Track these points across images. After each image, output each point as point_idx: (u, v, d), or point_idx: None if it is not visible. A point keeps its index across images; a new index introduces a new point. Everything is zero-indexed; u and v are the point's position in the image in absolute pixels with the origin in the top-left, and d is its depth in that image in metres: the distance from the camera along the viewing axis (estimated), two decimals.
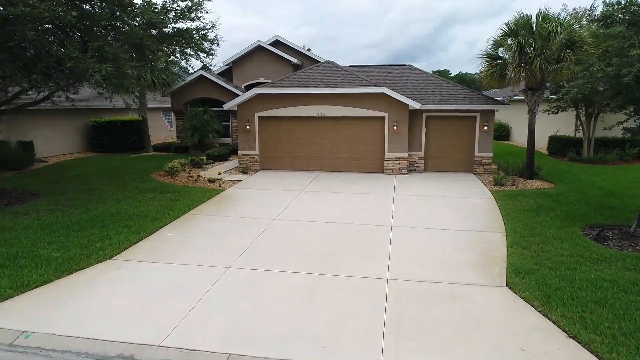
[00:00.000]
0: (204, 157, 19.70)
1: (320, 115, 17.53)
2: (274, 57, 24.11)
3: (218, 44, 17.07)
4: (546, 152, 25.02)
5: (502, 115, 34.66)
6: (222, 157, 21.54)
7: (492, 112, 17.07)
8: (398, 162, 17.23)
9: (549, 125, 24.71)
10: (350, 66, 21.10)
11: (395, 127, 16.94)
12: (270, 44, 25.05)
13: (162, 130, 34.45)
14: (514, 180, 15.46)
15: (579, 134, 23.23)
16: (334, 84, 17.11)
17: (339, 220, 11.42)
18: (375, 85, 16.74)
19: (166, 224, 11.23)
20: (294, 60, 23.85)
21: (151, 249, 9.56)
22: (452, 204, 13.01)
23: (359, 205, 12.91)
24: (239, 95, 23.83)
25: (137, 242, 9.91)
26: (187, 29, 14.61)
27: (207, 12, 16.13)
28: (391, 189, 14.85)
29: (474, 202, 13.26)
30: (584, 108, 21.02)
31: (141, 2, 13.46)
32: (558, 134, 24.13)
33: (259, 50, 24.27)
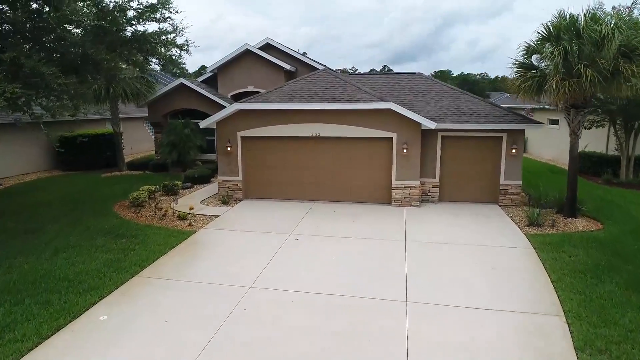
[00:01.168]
0: (179, 183, 16.81)
1: (314, 135, 14.64)
2: (264, 63, 21.24)
3: (188, 51, 14.24)
4: None
5: None
6: (204, 179, 18.66)
7: (522, 132, 14.16)
8: (408, 191, 14.34)
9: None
10: (350, 74, 18.20)
11: (404, 150, 14.05)
12: (261, 48, 22.16)
13: (145, 140, 31.61)
14: (552, 218, 12.57)
15: (613, 150, 20.34)
16: (331, 98, 14.22)
17: (333, 290, 8.52)
18: (381, 99, 13.85)
19: (103, 296, 8.36)
20: (287, 66, 20.97)
21: (68, 347, 6.69)
22: (482, 257, 10.12)
23: (362, 262, 10.00)
24: (224, 107, 20.97)
25: (51, 334, 7.03)
26: (145, 32, 11.73)
27: (175, 12, 13.33)
28: (401, 231, 11.96)
29: (508, 254, 10.35)
30: (621, 122, 18.14)
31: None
32: (587, 149, 21.22)
33: (247, 55, 21.40)
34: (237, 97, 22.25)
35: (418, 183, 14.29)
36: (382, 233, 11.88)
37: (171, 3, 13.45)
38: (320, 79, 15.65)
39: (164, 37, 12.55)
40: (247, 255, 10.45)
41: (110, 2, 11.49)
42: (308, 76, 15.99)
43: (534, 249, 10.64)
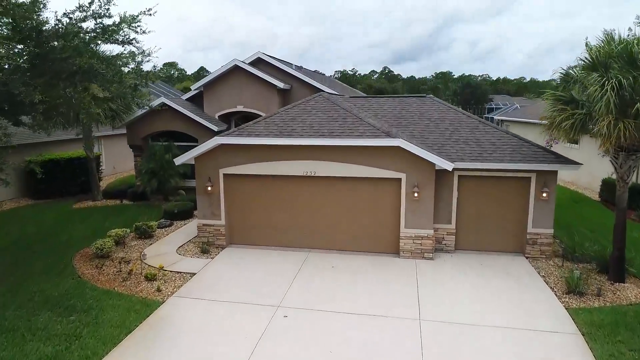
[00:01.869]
0: (154, 224, 14.61)
1: (309, 174, 12.46)
2: (255, 80, 19.03)
3: (153, 80, 12.05)
4: (597, 199, 19.95)
5: (531, 137, 29.56)
6: (185, 214, 16.46)
7: (554, 173, 11.97)
8: (419, 241, 12.15)
9: (598, 163, 19.53)
10: (352, 97, 16.02)
11: (415, 194, 11.85)
12: (251, 63, 19.95)
13: (131, 158, 29.35)
14: (595, 282, 10.39)
15: None
16: (329, 132, 12.03)
17: None
18: (388, 134, 11.65)
19: None
20: (280, 84, 18.76)
21: None
22: (519, 350, 7.93)
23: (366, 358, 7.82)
24: (210, 129, 18.86)
25: None
26: (100, 57, 9.48)
27: (143, 32, 11.16)
28: (414, 302, 9.77)
29: (552, 343, 8.16)
30: None
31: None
32: (614, 176, 19.01)
33: (236, 71, 19.19)
34: (225, 118, 20.07)
35: (431, 232, 12.10)
36: (390, 305, 9.68)
37: (138, 21, 11.27)
38: (316, 106, 13.45)
39: (127, 67, 10.41)
40: (219, 347, 8.25)
41: (57, 24, 9.27)
42: (302, 102, 13.79)
43: (582, 335, 8.46)
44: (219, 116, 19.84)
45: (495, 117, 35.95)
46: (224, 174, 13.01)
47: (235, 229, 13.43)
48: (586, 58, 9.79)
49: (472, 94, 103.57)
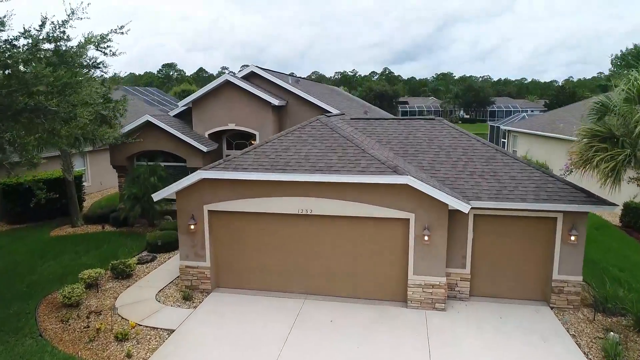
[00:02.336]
0: (133, 262, 13.13)
1: (305, 212, 10.99)
2: (247, 96, 17.57)
3: (122, 113, 10.60)
4: (618, 223, 18.49)
5: (539, 149, 28.20)
6: (170, 246, 14.99)
7: (585, 214, 10.49)
8: (430, 290, 10.68)
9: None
10: (354, 119, 14.52)
11: (426, 237, 10.38)
12: (245, 77, 18.52)
13: None
14: (636, 348, 8.93)
15: None
16: (327, 167, 10.56)
17: None
18: (394, 170, 10.16)
19: None
20: (275, 101, 17.29)
21: None
22: None
23: None
24: (198, 150, 17.40)
25: None
26: (40, 106, 7.94)
27: (113, 54, 9.72)
28: None
29: None
30: None
31: None
32: (637, 200, 17.60)
33: (227, 86, 17.72)
34: (216, 136, 18.61)
35: (443, 280, 10.62)
36: None
37: (108, 40, 9.81)
38: (313, 133, 11.98)
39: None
40: None
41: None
42: (298, 129, 12.32)
43: None
44: (209, 134, 18.37)
45: (501, 126, 34.49)
46: (209, 211, 11.54)
47: (221, 270, 11.96)
48: (629, 90, 8.31)
49: (474, 97, 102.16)
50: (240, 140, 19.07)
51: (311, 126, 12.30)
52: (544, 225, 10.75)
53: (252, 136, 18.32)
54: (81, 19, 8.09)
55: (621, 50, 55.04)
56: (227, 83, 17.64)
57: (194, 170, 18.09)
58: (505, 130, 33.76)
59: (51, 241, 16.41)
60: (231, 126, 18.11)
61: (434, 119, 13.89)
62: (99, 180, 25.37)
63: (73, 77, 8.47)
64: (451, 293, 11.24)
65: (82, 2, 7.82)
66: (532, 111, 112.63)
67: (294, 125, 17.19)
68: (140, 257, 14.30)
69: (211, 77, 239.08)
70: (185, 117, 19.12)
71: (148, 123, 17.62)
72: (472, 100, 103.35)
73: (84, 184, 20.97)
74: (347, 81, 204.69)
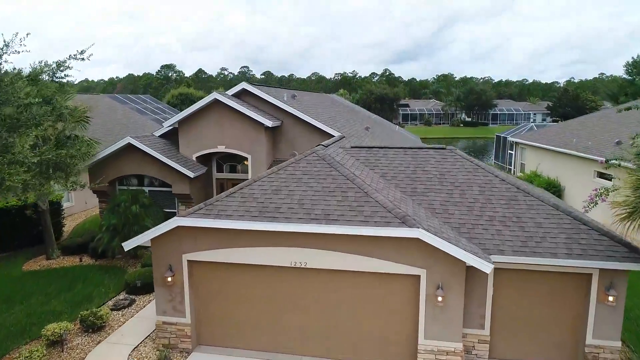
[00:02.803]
0: (105, 312, 11.60)
1: (299, 265, 9.49)
2: (238, 117, 16.07)
3: (85, 156, 9.08)
4: None
5: (550, 164, 26.72)
6: (151, 286, 13.35)
7: (625, 273, 8.98)
8: (443, 357, 9.18)
9: None
10: (353, 147, 13.00)
11: (439, 297, 8.88)
12: (236, 95, 17.04)
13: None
14: None
15: None
16: (325, 215, 9.07)
17: None
18: (402, 220, 8.66)
19: None
20: (268, 122, 15.79)
21: None
22: None
23: None
24: (184, 175, 15.92)
25: None
26: None
27: (69, 93, 8.27)
28: None
29: None
30: None
31: None
32: None
33: (216, 106, 16.23)
34: (204, 160, 17.11)
35: (460, 346, 9.12)
36: None
37: (66, 67, 8.32)
38: (308, 170, 10.48)
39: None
40: None
41: None
42: (291, 164, 10.81)
43: None
44: (197, 157, 16.88)
45: (509, 138, 32.97)
46: (189, 261, 10.05)
47: (204, 327, 10.46)
48: None
49: (476, 100, 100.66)
50: (232, 162, 17.58)
51: (306, 161, 10.79)
52: (576, 282, 9.26)
53: (244, 158, 16.84)
54: (18, 52, 6.65)
55: (633, 58, 53.45)
56: (216, 102, 16.15)
57: (180, 196, 16.80)
58: (512, 142, 32.27)
59: (22, 278, 14.90)
60: (221, 149, 16.62)
61: (444, 148, 12.37)
62: (84, 199, 23.85)
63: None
64: (468, 357, 9.74)
65: (16, 35, 6.39)
66: (534, 114, 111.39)
67: (289, 152, 15.92)
68: (117, 301, 12.81)
69: (210, 78, 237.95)
70: (171, 137, 17.63)
71: (130, 145, 16.12)
72: (474, 104, 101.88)
73: (63, 207, 19.44)
74: (347, 82, 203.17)
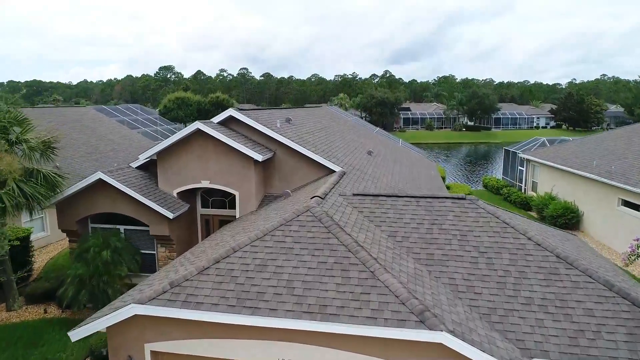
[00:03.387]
0: None
1: None
2: (224, 149, 14.12)
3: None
4: None
5: (566, 186, 24.77)
6: None
7: None
8: None
9: None
10: (354, 195, 11.03)
11: None
12: (222, 123, 15.09)
13: None
14: None
15: None
16: (319, 306, 7.13)
17: None
18: (421, 319, 6.72)
19: None
20: (258, 156, 13.82)
21: None
22: None
23: None
24: (162, 216, 13.99)
25: None
26: None
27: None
28: None
29: None
30: None
31: None
32: None
33: (200, 136, 14.27)
34: (187, 194, 15.16)
35: None
36: None
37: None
38: (301, 236, 8.53)
39: None
40: None
41: None
42: (281, 226, 8.85)
43: None
44: (178, 193, 14.92)
45: (519, 153, 30.99)
46: (153, 352, 8.10)
47: None
48: None
49: (479, 105, 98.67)
50: (219, 196, 15.63)
51: (299, 223, 8.84)
52: None
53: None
54: None
55: None
56: (199, 132, 14.20)
57: (159, 237, 14.85)
58: (523, 158, 30.31)
59: None
60: (205, 184, 14.66)
61: (464, 199, 10.40)
62: None
63: None
64: None
65: None
66: (537, 118, 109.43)
67: (282, 191, 13.84)
68: None
69: (209, 80, 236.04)
70: (152, 168, 15.67)
71: (101, 181, 14.18)
72: (476, 108, 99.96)
73: (33, 242, 17.47)
74: (347, 84, 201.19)
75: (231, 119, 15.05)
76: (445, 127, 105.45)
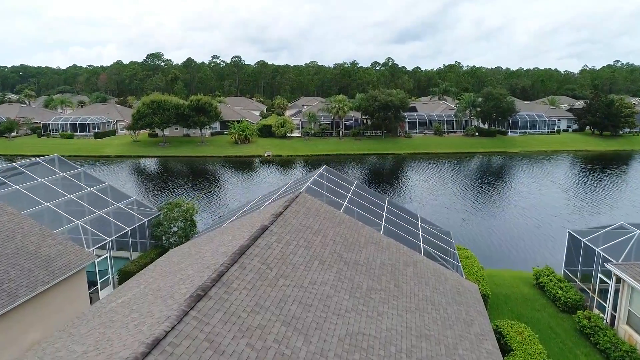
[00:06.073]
0: None
1: None
2: None
3: None
4: None
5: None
6: None
7: None
8: None
9: None
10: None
11: None
12: None
13: None
14: None
15: None
16: None
17: None
18: None
19: None
20: None
21: None
22: None
23: None
24: None
25: None
26: None
27: None
28: None
29: None
30: None
31: None
32: None
33: None
34: None
35: None
36: None
37: None
38: None
39: None
40: None
41: None
42: None
43: None
44: None
45: (608, 267, 20.47)
46: None
47: None
48: None
49: (496, 109, 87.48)
50: None
51: None
52: None
53: None
54: None
55: None
56: None
57: None
58: (610, 270, 19.77)
59: None
60: None
61: None
62: None
63: None
64: None
65: None
66: (558, 120, 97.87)
67: None
68: None
69: (201, 67, 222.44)
70: None
71: None
72: (492, 112, 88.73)
73: None
74: (346, 74, 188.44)
75: None
76: (456, 131, 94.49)
